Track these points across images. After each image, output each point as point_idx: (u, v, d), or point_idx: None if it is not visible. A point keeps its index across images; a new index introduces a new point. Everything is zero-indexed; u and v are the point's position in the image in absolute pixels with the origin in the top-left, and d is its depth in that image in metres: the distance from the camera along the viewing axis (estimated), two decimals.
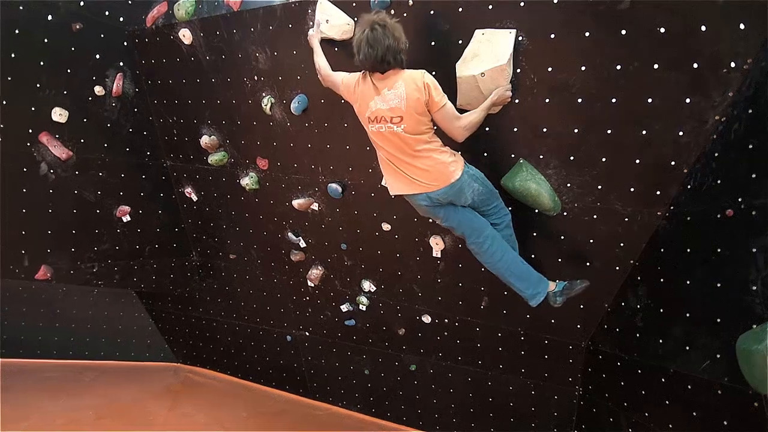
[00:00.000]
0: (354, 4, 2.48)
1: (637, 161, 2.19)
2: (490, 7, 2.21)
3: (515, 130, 2.40)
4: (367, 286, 3.34)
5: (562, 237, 2.54)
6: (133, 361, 4.68)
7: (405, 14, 2.39)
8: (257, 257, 3.78)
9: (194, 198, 3.73)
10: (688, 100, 1.98)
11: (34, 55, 2.95)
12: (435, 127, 2.21)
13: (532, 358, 3.01)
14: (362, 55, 2.08)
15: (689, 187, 2.10)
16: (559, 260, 2.61)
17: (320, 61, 2.44)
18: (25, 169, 3.09)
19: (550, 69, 2.20)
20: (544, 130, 2.34)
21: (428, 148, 2.16)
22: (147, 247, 3.78)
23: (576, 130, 2.27)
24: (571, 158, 2.33)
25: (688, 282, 2.15)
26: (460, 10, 2.27)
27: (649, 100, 2.05)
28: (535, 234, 2.61)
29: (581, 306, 2.68)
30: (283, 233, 3.50)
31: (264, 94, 3.00)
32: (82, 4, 3.02)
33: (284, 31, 2.73)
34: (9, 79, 2.91)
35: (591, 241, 2.48)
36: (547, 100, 2.27)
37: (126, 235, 3.62)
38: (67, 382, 4.15)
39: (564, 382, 2.94)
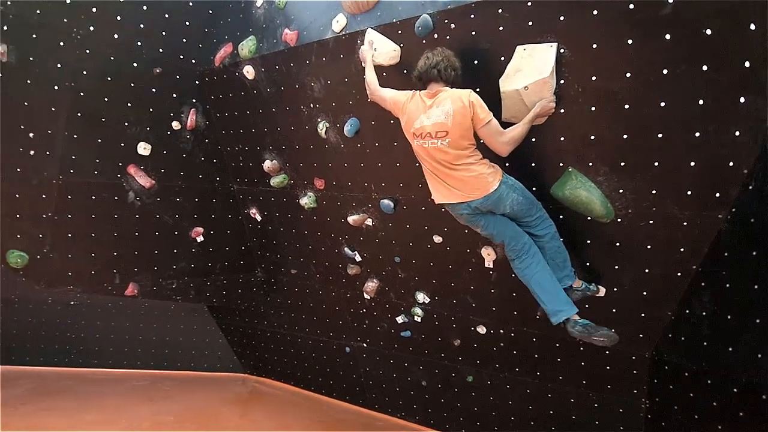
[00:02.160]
0: (399, 32, 2.65)
1: (693, 164, 2.14)
2: (530, 23, 2.29)
3: (562, 139, 2.43)
4: (422, 297, 3.43)
5: (618, 244, 2.51)
6: (205, 372, 5.04)
7: (448, 37, 2.52)
8: (316, 272, 3.99)
9: (258, 218, 4.04)
10: (742, 100, 1.93)
11: (122, 98, 3.38)
12: (476, 145, 2.33)
13: (593, 369, 2.94)
14: (417, 68, 2.34)
15: (750, 187, 2.03)
16: (616, 267, 2.57)
17: (370, 76, 2.63)
18: (116, 198, 3.52)
19: (594, 78, 2.23)
20: (592, 137, 2.35)
21: (468, 162, 2.29)
22: (218, 265, 4.12)
23: (625, 136, 2.27)
24: (622, 164, 2.32)
25: (756, 287, 2.05)
26: (501, 28, 2.36)
27: (701, 102, 2.02)
28: (589, 242, 2.59)
29: (642, 315, 2.60)
30: (339, 248, 3.69)
31: (319, 120, 3.24)
32: (161, 50, 3.45)
33: (336, 61, 2.95)
34: (103, 120, 3.35)
35: (648, 247, 2.43)
36: (594, 108, 2.29)
37: (200, 254, 3.98)
38: (150, 390, 4.55)
39: (629, 394, 2.84)
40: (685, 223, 2.27)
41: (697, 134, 2.08)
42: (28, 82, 3.03)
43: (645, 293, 2.53)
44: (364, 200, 3.35)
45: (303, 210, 3.69)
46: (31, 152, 3.13)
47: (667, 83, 2.07)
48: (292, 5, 3.16)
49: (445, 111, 2.25)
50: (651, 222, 2.36)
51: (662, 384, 2.66)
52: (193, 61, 3.57)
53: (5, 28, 2.90)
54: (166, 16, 3.40)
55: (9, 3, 2.88)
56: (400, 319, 3.66)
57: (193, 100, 3.67)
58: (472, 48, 2.48)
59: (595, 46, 2.18)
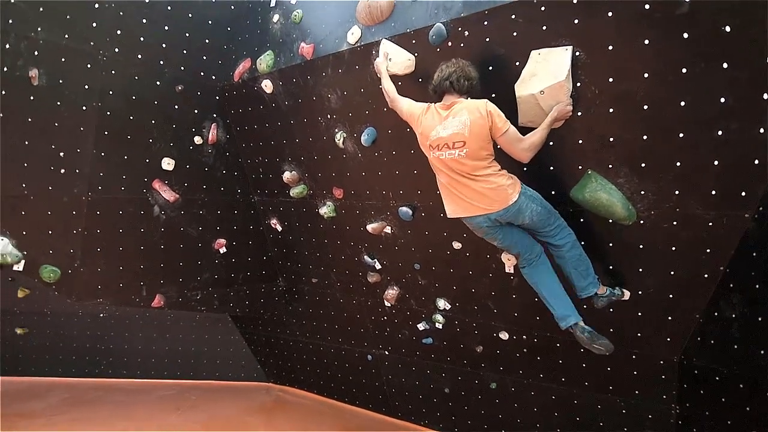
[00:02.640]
0: (414, 41, 2.68)
1: (716, 163, 2.11)
2: (544, 27, 2.29)
3: (580, 142, 2.42)
4: (442, 304, 3.43)
5: (641, 246, 2.47)
6: (230, 381, 5.11)
7: (462, 44, 2.54)
8: (336, 280, 4.03)
9: (279, 228, 4.10)
10: (765, 96, 1.90)
11: (147, 116, 3.50)
12: (494, 156, 2.34)
13: (620, 374, 2.88)
14: (441, 87, 2.36)
15: None
16: (640, 270, 2.53)
17: (387, 85, 2.67)
18: (142, 212, 3.63)
19: (611, 80, 2.22)
20: (611, 139, 2.33)
21: (487, 173, 2.29)
22: (240, 275, 4.20)
23: (645, 137, 2.24)
24: (643, 165, 2.30)
25: None
26: (515, 33, 2.37)
27: (722, 100, 1.99)
28: (611, 245, 2.56)
29: (669, 318, 2.55)
30: (359, 257, 3.72)
31: (336, 130, 3.29)
32: (182, 68, 3.56)
33: (352, 72, 3.00)
34: (128, 137, 3.47)
35: (673, 249, 2.38)
36: (612, 110, 2.28)
37: (223, 265, 4.06)
38: (177, 400, 4.64)
39: (658, 399, 2.78)
40: (710, 224, 2.23)
41: (720, 133, 2.04)
42: (58, 103, 3.17)
43: (671, 296, 2.48)
44: (382, 208, 3.38)
45: (322, 219, 3.74)
46: (62, 171, 3.26)
47: (686, 82, 2.05)
48: (308, 19, 3.23)
49: (462, 121, 2.27)
50: (675, 223, 2.32)
51: (692, 389, 2.59)
52: (213, 77, 3.68)
53: (36, 53, 3.04)
54: (187, 35, 3.52)
55: (39, 29, 3.02)
56: (421, 326, 3.66)
57: (214, 115, 3.77)
58: (486, 54, 2.49)
59: (611, 47, 2.17)
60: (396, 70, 2.73)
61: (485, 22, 2.43)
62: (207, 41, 3.60)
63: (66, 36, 3.10)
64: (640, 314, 2.62)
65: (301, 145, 3.58)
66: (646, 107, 2.19)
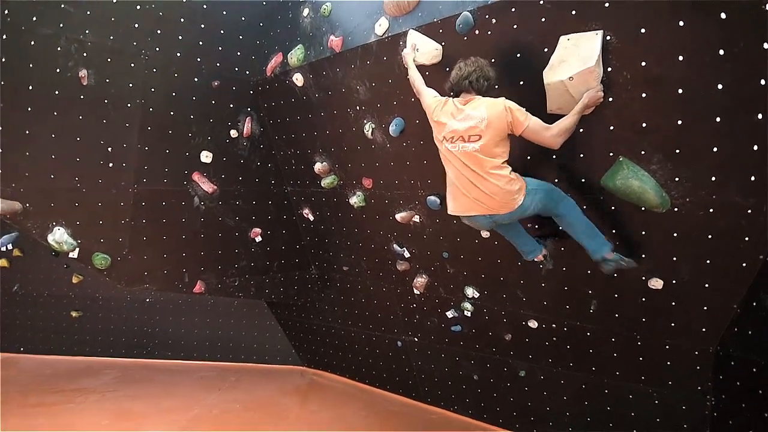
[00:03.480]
0: (441, 31, 2.69)
1: (755, 147, 2.03)
2: (573, 12, 2.25)
3: (611, 128, 2.37)
4: (471, 292, 3.46)
5: (675, 234, 2.41)
6: (266, 364, 5.34)
7: (489, 32, 2.53)
8: (367, 268, 4.12)
9: (311, 218, 4.23)
10: None
11: (186, 111, 3.67)
12: (507, 158, 2.37)
13: (653, 364, 2.84)
14: (449, 79, 2.37)
15: None
16: (674, 259, 2.48)
17: (414, 74, 2.70)
18: (183, 203, 3.82)
19: (643, 64, 2.17)
20: (644, 125, 2.28)
21: (498, 174, 2.29)
22: (275, 263, 4.36)
23: (680, 122, 2.18)
24: (677, 151, 2.24)
25: None
26: (543, 20, 2.35)
27: (762, 82, 1.91)
28: (644, 233, 2.51)
29: (705, 308, 2.49)
30: (388, 245, 3.79)
31: (365, 121, 3.35)
32: (218, 65, 3.70)
33: (380, 63, 3.05)
34: (170, 132, 3.65)
35: (709, 237, 2.32)
36: (644, 95, 2.22)
37: (258, 253, 4.23)
38: (217, 380, 4.89)
39: (692, 390, 2.72)
40: (749, 211, 2.15)
41: (759, 116, 1.97)
42: (105, 101, 3.37)
43: (707, 285, 2.41)
44: (411, 197, 3.42)
45: (353, 209, 3.83)
46: (110, 165, 3.48)
47: (724, 64, 1.98)
48: (337, 12, 3.28)
49: (479, 115, 2.28)
50: (711, 210, 2.25)
51: (728, 380, 2.52)
52: (247, 72, 3.80)
53: (85, 54, 3.25)
54: (222, 32, 3.65)
55: (87, 32, 3.22)
56: (449, 314, 3.71)
57: (248, 109, 3.90)
58: (514, 41, 2.48)
59: (643, 31, 2.12)
60: (423, 60, 2.75)
61: (513, 9, 2.41)
62: (241, 37, 3.72)
63: (111, 37, 3.29)
64: (674, 303, 2.57)
65: (331, 137, 3.66)
66: (680, 91, 2.13)
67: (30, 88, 3.12)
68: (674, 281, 2.52)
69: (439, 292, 3.69)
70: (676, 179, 2.29)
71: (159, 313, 5.32)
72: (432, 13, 2.71)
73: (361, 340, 4.60)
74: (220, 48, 3.67)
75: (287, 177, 4.19)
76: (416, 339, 4.13)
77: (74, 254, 3.48)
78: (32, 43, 3.07)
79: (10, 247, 5.05)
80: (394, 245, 3.74)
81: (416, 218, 3.47)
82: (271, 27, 3.76)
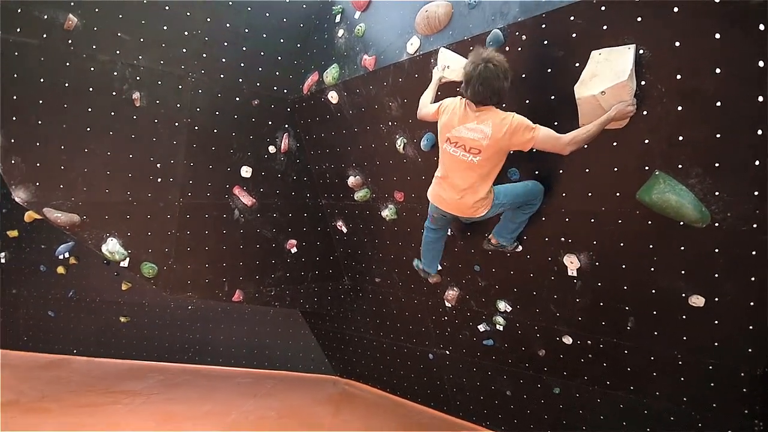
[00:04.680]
0: (471, 48, 2.73)
1: None
2: (605, 27, 2.26)
3: (646, 141, 2.34)
4: (503, 306, 3.44)
5: (717, 250, 2.34)
6: (300, 372, 5.45)
7: (519, 48, 2.57)
8: (398, 280, 4.17)
9: (344, 230, 4.33)
10: None
11: (228, 129, 3.88)
12: (495, 177, 2.56)
13: (695, 385, 2.72)
14: (471, 91, 2.34)
15: None
16: (716, 276, 2.39)
17: (427, 94, 2.79)
18: (224, 216, 4.02)
19: (679, 77, 2.14)
20: (680, 138, 2.24)
21: (480, 189, 2.51)
22: (309, 274, 4.49)
23: (718, 135, 2.13)
24: (716, 165, 2.18)
25: None
26: (574, 35, 2.36)
27: None
28: (683, 248, 2.45)
29: (750, 327, 2.38)
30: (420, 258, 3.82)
31: (397, 136, 3.43)
32: (258, 84, 3.90)
33: (411, 80, 3.13)
34: (213, 149, 3.87)
35: (753, 252, 2.23)
36: (680, 108, 2.19)
37: (294, 264, 4.37)
38: (254, 387, 5.04)
39: (738, 414, 2.59)
40: None
41: None
42: (156, 121, 3.62)
43: (752, 303, 2.31)
44: None
45: (385, 221, 3.90)
46: (159, 180, 3.72)
47: (763, 76, 1.93)
48: (370, 32, 3.41)
49: (484, 131, 2.35)
50: (755, 225, 2.17)
51: None
52: (285, 90, 3.98)
53: (138, 78, 3.51)
54: (262, 54, 3.85)
55: (140, 57, 3.48)
56: (481, 328, 3.69)
57: (286, 126, 4.08)
58: (544, 57, 2.50)
59: (678, 44, 2.09)
60: (454, 76, 2.80)
61: (543, 26, 2.44)
62: (279, 58, 3.92)
63: (162, 62, 3.54)
64: (716, 322, 2.47)
65: (365, 152, 3.76)
66: (719, 104, 2.08)
67: (89, 110, 3.40)
68: (716, 299, 2.43)
69: (470, 305, 3.69)
70: (716, 193, 2.22)
71: (200, 321, 5.55)
72: (462, 31, 2.77)
73: (393, 352, 4.63)
74: (260, 69, 3.87)
75: (322, 190, 4.32)
76: (447, 352, 4.12)
77: (125, 263, 3.72)
78: (92, 69, 3.35)
79: (67, 255, 5.44)
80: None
81: (447, 231, 3.50)
82: (307, 48, 3.93)
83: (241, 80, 3.82)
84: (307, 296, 4.54)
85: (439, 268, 3.71)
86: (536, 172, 2.81)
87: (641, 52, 2.19)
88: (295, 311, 5.19)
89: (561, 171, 2.70)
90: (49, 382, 4.90)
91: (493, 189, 2.58)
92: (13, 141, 3.23)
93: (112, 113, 3.47)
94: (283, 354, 5.46)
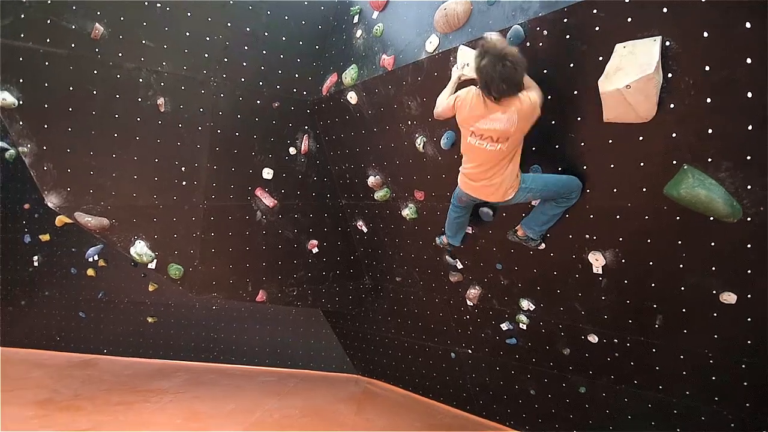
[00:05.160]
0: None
1: None
2: (629, 20, 2.21)
3: (674, 135, 2.29)
4: (526, 304, 3.40)
5: (749, 245, 2.27)
6: (322, 371, 5.50)
7: (540, 44, 2.54)
8: (419, 279, 4.17)
9: (364, 230, 4.35)
10: None
11: (250, 132, 3.94)
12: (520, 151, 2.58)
13: (727, 385, 2.65)
14: (494, 89, 2.33)
15: None
16: (749, 272, 2.32)
17: (445, 93, 2.79)
18: (247, 217, 4.09)
19: (707, 68, 2.09)
20: (710, 131, 2.18)
21: (508, 169, 2.55)
22: (330, 273, 4.52)
23: (750, 127, 2.07)
24: (748, 158, 2.12)
25: None
26: (597, 28, 2.32)
27: None
28: (713, 244, 2.38)
29: None
30: (441, 256, 3.82)
31: (417, 135, 3.43)
32: (278, 87, 3.95)
33: (431, 79, 3.12)
34: (235, 151, 3.93)
35: None
36: (709, 100, 2.13)
37: (315, 264, 4.41)
38: (277, 386, 5.11)
39: None
40: None
41: None
42: (180, 126, 3.70)
43: None
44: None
45: (405, 221, 3.90)
46: (183, 183, 3.80)
47: None
48: (388, 32, 3.41)
49: (512, 120, 2.37)
50: None
51: None
52: (305, 92, 4.02)
53: (162, 84, 3.59)
54: (281, 56, 3.90)
55: (164, 64, 3.56)
56: (504, 326, 3.66)
57: (306, 127, 4.12)
58: (566, 52, 2.46)
59: (706, 34, 2.04)
60: (474, 75, 2.79)
61: (565, 20, 2.40)
62: (298, 60, 3.96)
63: (185, 67, 3.62)
64: (749, 319, 2.40)
65: (384, 151, 3.77)
66: (750, 95, 2.02)
67: (116, 116, 3.50)
68: (749, 295, 2.36)
69: (492, 304, 3.67)
70: (749, 187, 2.16)
71: (224, 320, 5.65)
72: (482, 28, 2.75)
73: (414, 350, 4.64)
74: (279, 71, 3.92)
75: (342, 191, 4.35)
76: (470, 351, 4.10)
77: (152, 265, 3.81)
78: (118, 76, 3.45)
79: (96, 258, 5.61)
80: (447, 256, 3.76)
81: (468, 230, 3.48)
82: (326, 49, 3.96)
83: (261, 83, 3.88)
84: (328, 296, 4.58)
85: (461, 266, 3.70)
86: (559, 169, 2.78)
87: (667, 44, 2.14)
88: (317, 311, 5.24)
89: (585, 167, 2.66)
90: (81, 381, 5.06)
91: (521, 173, 2.61)
92: (45, 148, 3.34)
93: (138, 119, 3.57)
94: (306, 353, 5.52)
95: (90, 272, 5.71)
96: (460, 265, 3.71)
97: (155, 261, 3.82)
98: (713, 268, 2.43)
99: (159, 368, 5.58)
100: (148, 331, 5.82)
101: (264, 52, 3.84)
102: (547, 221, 2.83)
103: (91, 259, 5.60)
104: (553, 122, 2.67)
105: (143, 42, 3.47)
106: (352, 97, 3.69)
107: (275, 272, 4.28)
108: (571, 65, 2.47)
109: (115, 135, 3.52)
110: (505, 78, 2.26)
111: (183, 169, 3.78)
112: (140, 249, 3.74)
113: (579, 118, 2.56)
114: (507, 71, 2.25)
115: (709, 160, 2.23)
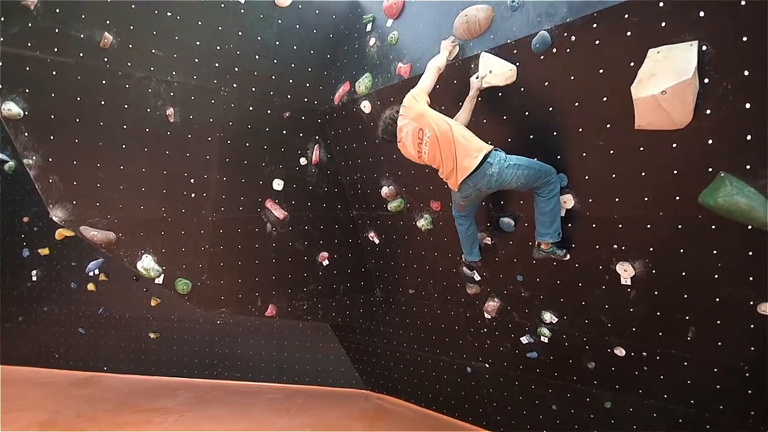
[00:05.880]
0: (515, 51, 2.66)
1: None
2: (663, 24, 2.16)
3: (710, 142, 2.22)
4: (548, 317, 3.31)
5: None
6: (330, 387, 5.35)
7: (568, 50, 2.48)
8: (434, 291, 4.06)
9: (376, 241, 4.25)
10: None
11: (260, 142, 3.85)
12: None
13: (765, 400, 2.56)
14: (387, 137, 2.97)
15: None
16: None
17: (468, 107, 2.85)
18: (257, 230, 3.98)
19: (747, 73, 2.03)
20: (748, 137, 2.12)
21: (456, 151, 2.73)
22: (341, 286, 4.41)
23: None
24: None
25: None
26: (629, 33, 2.27)
27: None
28: (751, 253, 2.31)
29: None
30: (457, 268, 3.73)
31: None
32: (289, 96, 3.87)
33: (449, 87, 3.05)
34: (245, 162, 3.84)
35: None
36: (748, 106, 2.07)
37: (326, 276, 4.30)
38: (286, 403, 4.95)
39: None
40: None
41: None
42: (189, 136, 3.61)
43: None
44: (482, 219, 3.36)
45: (420, 232, 3.81)
46: (192, 195, 3.70)
47: None
48: (404, 40, 3.35)
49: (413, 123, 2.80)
50: None
51: None
52: (316, 102, 3.95)
53: (172, 94, 3.50)
54: (293, 65, 3.82)
55: (174, 73, 3.48)
56: (524, 340, 3.56)
57: (317, 137, 4.04)
58: (596, 57, 2.41)
59: (745, 39, 1.99)
60: (497, 81, 2.73)
61: (594, 25, 2.35)
62: (309, 69, 3.89)
63: (195, 77, 3.53)
64: None
65: (399, 161, 3.68)
66: None
67: (125, 127, 3.40)
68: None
69: (512, 317, 3.56)
70: None
71: (228, 335, 5.50)
72: (505, 35, 2.69)
73: (428, 365, 4.51)
74: (290, 81, 3.84)
75: (353, 201, 4.26)
76: (487, 365, 3.99)
77: (159, 280, 3.69)
78: (127, 86, 3.36)
79: (96, 272, 5.46)
80: (464, 268, 3.65)
81: (487, 240, 3.40)
82: (338, 58, 3.90)
83: (272, 93, 3.80)
84: (339, 309, 4.46)
85: (479, 278, 3.61)
86: (586, 177, 2.70)
87: (704, 48, 2.09)
88: (325, 325, 5.11)
89: (614, 175, 2.58)
90: (83, 401, 4.88)
91: (497, 152, 2.65)
92: (50, 160, 3.23)
93: (147, 129, 3.47)
94: (313, 368, 5.38)
95: (90, 287, 5.55)
96: (477, 277, 3.62)
97: (162, 276, 3.69)
98: (750, 278, 2.35)
99: (162, 386, 5.40)
100: (150, 348, 5.65)
101: (275, 61, 3.77)
102: (551, 220, 2.77)
103: (91, 274, 5.45)
104: (581, 130, 2.60)
105: (153, 51, 3.38)
106: (365, 106, 3.62)
107: (285, 286, 4.16)
108: (600, 71, 2.41)
109: (123, 146, 3.41)
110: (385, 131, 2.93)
111: (192, 180, 3.67)
112: (147, 263, 3.61)
113: (608, 126, 2.49)
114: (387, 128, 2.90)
115: (747, 167, 2.16)
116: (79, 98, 3.24)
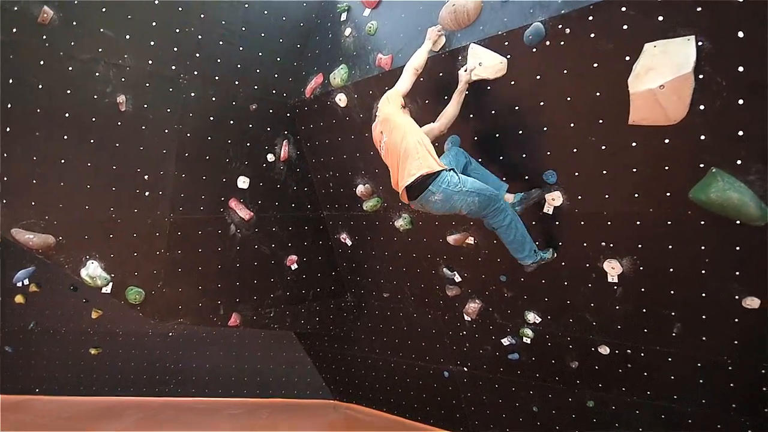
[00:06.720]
0: (506, 43, 2.57)
1: None
2: (660, 18, 2.14)
3: (702, 137, 2.23)
4: (532, 317, 3.25)
5: None
6: (295, 399, 5.05)
7: (562, 42, 2.41)
8: (411, 294, 3.91)
9: (348, 243, 4.04)
10: None
11: (223, 136, 3.53)
12: None
13: (747, 393, 2.62)
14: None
15: None
16: None
17: (455, 101, 2.69)
18: (219, 232, 3.64)
19: (741, 69, 2.04)
20: (740, 133, 2.14)
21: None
22: (311, 292, 4.15)
23: None
24: None
25: None
26: (625, 27, 2.23)
27: None
28: (738, 248, 2.34)
29: None
30: (437, 269, 3.60)
31: None
32: (256, 87, 3.58)
33: (433, 81, 2.92)
34: (207, 158, 3.50)
35: None
36: (741, 102, 2.09)
37: (294, 281, 4.02)
38: (249, 419, 4.60)
39: None
40: None
41: None
42: (143, 128, 3.23)
43: None
44: (465, 218, 3.24)
45: (397, 232, 3.64)
46: (146, 193, 3.31)
47: None
48: (383, 30, 3.19)
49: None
50: None
51: None
52: (285, 94, 3.69)
53: (123, 79, 3.11)
54: (260, 54, 3.54)
55: (126, 56, 3.10)
56: (506, 341, 3.48)
57: (285, 132, 3.77)
58: (590, 51, 2.35)
59: (741, 34, 1.99)
60: (486, 74, 2.63)
61: (590, 17, 2.29)
62: (278, 59, 3.63)
63: (150, 62, 3.17)
64: None
65: (376, 158, 3.48)
66: None
67: (67, 115, 2.98)
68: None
69: (493, 318, 3.48)
70: None
71: (182, 348, 5.05)
72: (496, 26, 2.60)
73: (401, 371, 4.35)
74: (257, 71, 3.56)
75: (324, 201, 4.02)
76: (465, 369, 3.88)
77: (107, 289, 3.27)
78: (70, 68, 2.95)
79: (26, 282, 4.82)
80: (444, 269, 3.54)
81: (470, 240, 3.29)
82: (309, 48, 3.66)
83: (237, 83, 3.49)
84: (308, 316, 4.19)
85: (459, 279, 3.50)
86: (576, 174, 2.66)
87: (700, 43, 2.08)
88: (288, 333, 4.80)
89: (605, 171, 2.55)
90: (11, 429, 4.25)
91: (455, 175, 2.48)
92: None
93: (93, 119, 3.06)
94: (276, 380, 5.05)
95: (18, 299, 4.90)
96: (458, 278, 3.50)
97: (111, 284, 3.28)
98: (737, 273, 2.39)
99: (106, 407, 4.87)
100: (91, 365, 5.08)
101: (241, 48, 3.47)
102: (520, 243, 2.65)
103: (19, 284, 4.81)
104: (572, 125, 2.55)
105: (101, 30, 2.99)
106: (341, 100, 3.41)
107: (250, 292, 3.84)
108: (595, 65, 2.37)
109: (65, 137, 2.99)
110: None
111: (146, 177, 3.29)
112: (93, 271, 3.19)
113: (601, 121, 2.45)
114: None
115: (738, 162, 2.18)
116: (11, 80, 2.80)
